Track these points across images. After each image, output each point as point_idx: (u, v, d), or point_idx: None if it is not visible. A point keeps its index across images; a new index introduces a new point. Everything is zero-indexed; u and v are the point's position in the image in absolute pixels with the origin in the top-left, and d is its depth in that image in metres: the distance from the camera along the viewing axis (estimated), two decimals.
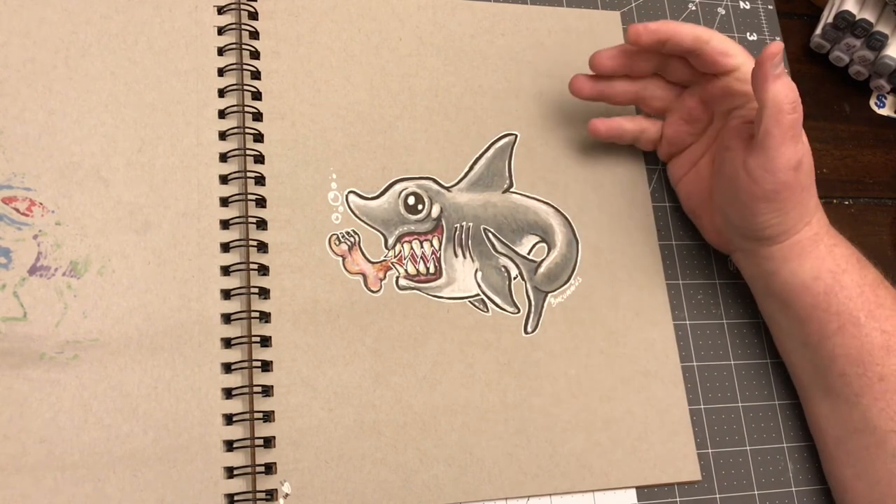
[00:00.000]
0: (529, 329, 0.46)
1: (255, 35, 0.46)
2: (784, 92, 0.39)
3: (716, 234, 0.47)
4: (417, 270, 0.45)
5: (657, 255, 0.49)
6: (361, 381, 0.42)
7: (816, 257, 0.43)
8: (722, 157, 0.44)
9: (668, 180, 0.51)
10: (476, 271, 0.46)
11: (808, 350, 0.44)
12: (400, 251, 0.45)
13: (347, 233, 0.45)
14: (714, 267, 0.50)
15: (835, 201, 0.55)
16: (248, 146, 0.44)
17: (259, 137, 0.44)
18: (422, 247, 0.46)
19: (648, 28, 0.43)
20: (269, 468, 0.40)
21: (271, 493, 0.39)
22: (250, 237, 0.42)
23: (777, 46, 0.39)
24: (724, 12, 0.57)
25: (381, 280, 0.44)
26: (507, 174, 0.48)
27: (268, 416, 0.40)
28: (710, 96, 0.45)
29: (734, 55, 0.43)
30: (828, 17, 0.57)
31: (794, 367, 0.46)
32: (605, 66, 0.45)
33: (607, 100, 0.47)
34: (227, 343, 0.41)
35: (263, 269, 0.42)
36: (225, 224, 0.43)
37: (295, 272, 0.43)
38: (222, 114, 0.44)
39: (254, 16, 0.47)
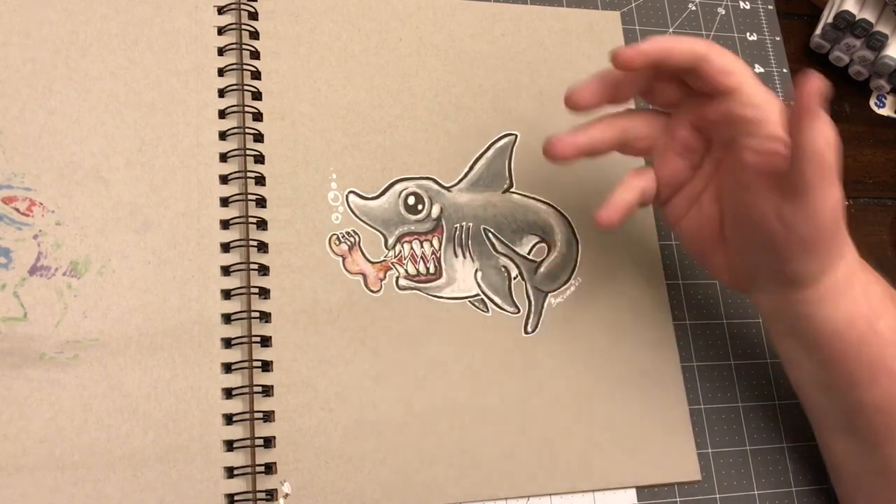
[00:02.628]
0: (529, 329, 0.46)
1: (255, 35, 0.46)
2: (827, 135, 0.34)
3: (731, 275, 0.42)
4: (417, 270, 0.45)
5: (657, 255, 0.49)
6: (361, 381, 0.42)
7: (852, 300, 0.38)
8: (739, 198, 0.39)
9: None
10: (476, 271, 0.46)
11: (831, 394, 0.41)
12: (400, 251, 0.45)
13: (347, 233, 0.45)
14: None
15: None
16: (248, 146, 0.44)
17: (259, 137, 0.44)
18: (422, 247, 0.46)
19: (640, 51, 0.37)
20: (269, 468, 0.40)
21: (271, 493, 0.39)
22: (250, 237, 0.42)
23: (816, 82, 0.34)
24: (724, 12, 0.57)
25: (381, 280, 0.44)
26: (507, 174, 0.48)
27: (268, 416, 0.40)
28: (706, 122, 0.40)
29: (736, 73, 0.37)
30: (828, 17, 0.57)
31: (813, 405, 0.43)
32: (587, 101, 0.40)
33: (589, 155, 0.41)
34: (227, 343, 0.41)
35: (263, 269, 0.42)
36: (225, 224, 0.43)
37: (295, 272, 0.43)
38: (222, 114, 0.44)
39: (254, 16, 0.47)
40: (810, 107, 0.34)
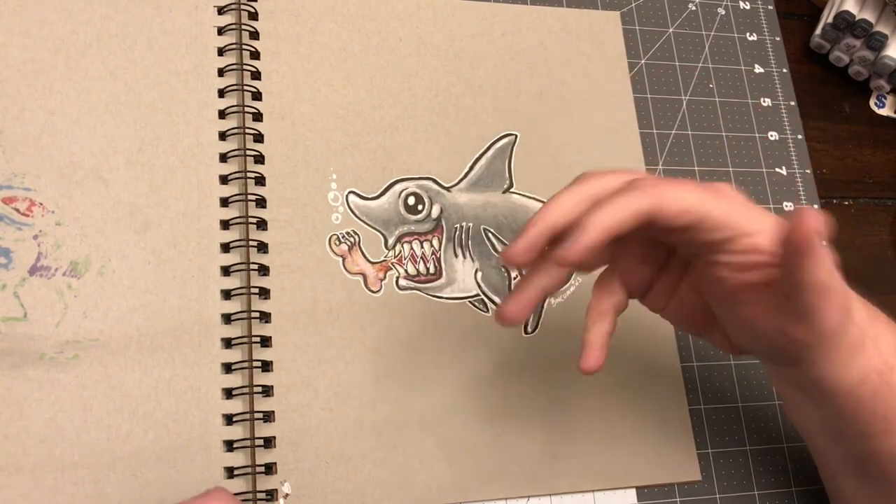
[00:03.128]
0: (529, 329, 0.46)
1: (255, 35, 0.46)
2: (828, 266, 0.31)
3: (733, 348, 0.39)
4: (417, 270, 0.45)
5: None
6: (361, 381, 0.42)
7: (864, 357, 0.36)
8: (729, 310, 0.36)
9: None
10: (476, 271, 0.46)
11: (843, 442, 0.39)
12: (400, 251, 0.45)
13: (347, 233, 0.45)
14: None
15: (835, 201, 0.55)
16: (248, 146, 0.44)
17: (259, 137, 0.44)
18: (422, 247, 0.46)
19: (584, 246, 0.32)
20: (269, 468, 0.40)
21: (271, 493, 0.39)
22: (250, 237, 0.42)
23: (814, 220, 0.30)
24: (724, 12, 0.57)
25: (381, 280, 0.44)
26: (507, 174, 0.48)
27: (268, 416, 0.40)
28: (667, 242, 0.37)
29: (692, 208, 0.33)
30: (828, 17, 0.57)
31: (821, 451, 0.41)
32: (526, 260, 0.35)
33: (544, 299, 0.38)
34: (228, 343, 0.41)
35: (263, 269, 0.42)
36: (225, 224, 0.43)
37: (295, 272, 0.43)
38: (222, 114, 0.44)
39: (254, 16, 0.47)
40: (808, 243, 0.31)
